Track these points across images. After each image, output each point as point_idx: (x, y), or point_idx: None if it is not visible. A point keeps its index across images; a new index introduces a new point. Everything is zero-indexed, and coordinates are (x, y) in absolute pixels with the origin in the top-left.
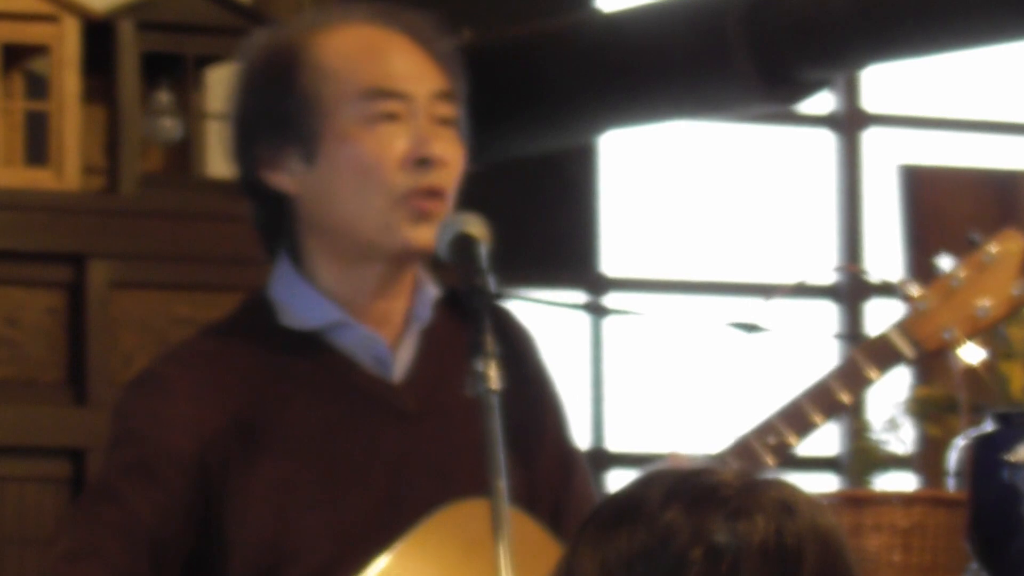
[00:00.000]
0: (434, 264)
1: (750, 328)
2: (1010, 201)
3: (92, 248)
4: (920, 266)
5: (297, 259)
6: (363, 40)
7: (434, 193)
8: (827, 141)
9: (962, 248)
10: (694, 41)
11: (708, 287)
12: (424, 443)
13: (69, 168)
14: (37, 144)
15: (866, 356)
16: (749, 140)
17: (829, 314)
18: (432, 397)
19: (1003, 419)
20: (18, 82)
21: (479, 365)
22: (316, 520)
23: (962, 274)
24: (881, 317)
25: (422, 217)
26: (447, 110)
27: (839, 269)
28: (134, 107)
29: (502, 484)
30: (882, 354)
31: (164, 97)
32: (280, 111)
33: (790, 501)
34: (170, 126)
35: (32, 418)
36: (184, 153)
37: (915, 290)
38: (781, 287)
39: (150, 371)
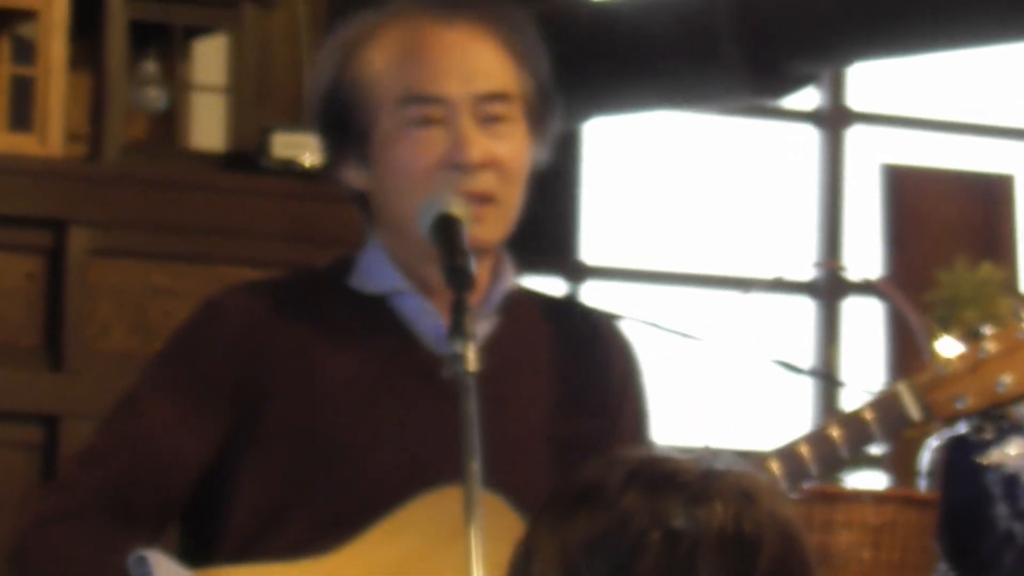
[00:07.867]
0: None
1: (793, 368)
2: (991, 204)
3: (72, 215)
4: (900, 266)
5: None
6: (407, 41)
7: (478, 197)
8: (811, 137)
9: (943, 249)
10: (683, 30)
11: (686, 279)
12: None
13: (52, 134)
14: (21, 109)
15: (874, 413)
16: (732, 133)
17: (806, 311)
18: (483, 384)
19: (976, 421)
20: (5, 47)
21: (457, 346)
22: (334, 473)
23: (992, 347)
24: (858, 315)
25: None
26: (498, 108)
27: (818, 265)
28: (120, 75)
29: (475, 466)
30: (888, 415)
31: (150, 67)
32: (335, 115)
33: (750, 489)
34: (155, 96)
35: (7, 383)
36: (168, 123)
37: (944, 353)
38: (759, 281)
39: (213, 298)
